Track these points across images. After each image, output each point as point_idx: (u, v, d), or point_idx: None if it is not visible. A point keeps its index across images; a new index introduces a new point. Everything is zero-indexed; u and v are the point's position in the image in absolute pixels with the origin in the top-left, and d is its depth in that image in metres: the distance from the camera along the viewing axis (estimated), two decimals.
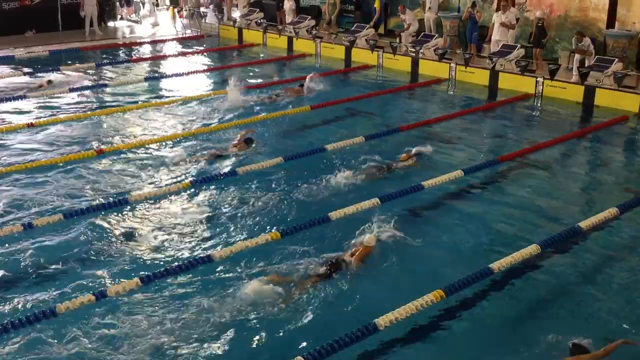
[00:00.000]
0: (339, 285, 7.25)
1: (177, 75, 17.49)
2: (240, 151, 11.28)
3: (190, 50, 21.38)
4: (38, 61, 18.55)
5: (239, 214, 9.02)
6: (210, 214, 9.05)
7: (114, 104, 14.69)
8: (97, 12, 22.90)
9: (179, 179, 10.20)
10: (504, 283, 7.56)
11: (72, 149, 11.44)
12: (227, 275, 7.44)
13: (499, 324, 6.92)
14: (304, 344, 6.25)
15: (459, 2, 19.77)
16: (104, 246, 8.13)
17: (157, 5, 27.85)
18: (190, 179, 10.10)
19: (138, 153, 11.35)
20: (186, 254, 7.98)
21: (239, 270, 7.51)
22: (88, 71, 17.66)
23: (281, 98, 15.07)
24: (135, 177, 10.30)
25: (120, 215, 8.96)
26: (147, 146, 11.66)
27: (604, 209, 9.21)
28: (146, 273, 7.38)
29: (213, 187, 9.87)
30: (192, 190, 9.76)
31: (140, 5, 27.36)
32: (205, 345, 6.30)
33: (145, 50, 21.69)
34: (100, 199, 9.35)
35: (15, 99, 14.58)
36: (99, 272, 7.49)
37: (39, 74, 16.83)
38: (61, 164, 10.60)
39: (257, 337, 6.43)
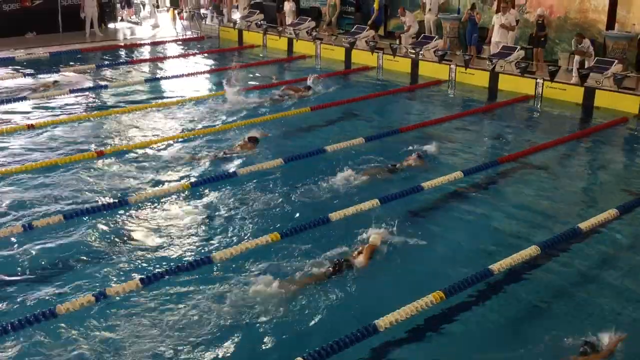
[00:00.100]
0: (339, 286, 7.25)
1: (177, 76, 17.52)
2: (245, 151, 11.31)
3: (190, 51, 21.39)
4: (38, 63, 18.57)
5: (239, 215, 9.03)
6: (210, 215, 9.06)
7: (114, 105, 14.71)
8: (98, 14, 22.93)
9: (179, 180, 10.21)
10: (504, 284, 7.57)
11: (73, 150, 11.45)
12: (227, 276, 7.44)
13: (499, 325, 6.92)
14: (304, 344, 6.24)
15: (459, 4, 19.79)
16: (104, 247, 8.14)
17: (158, 6, 27.88)
18: (191, 180, 10.11)
19: (138, 154, 11.36)
20: (186, 255, 7.98)
21: (239, 271, 7.52)
22: (88, 73, 17.68)
23: (285, 99, 15.09)
24: (135, 178, 10.30)
25: (120, 216, 8.97)
26: (147, 147, 11.66)
27: (604, 210, 9.22)
28: (146, 274, 7.40)
29: (213, 188, 9.87)
30: (192, 191, 9.76)
31: (141, 6, 27.39)
32: (205, 346, 6.30)
33: (146, 51, 21.71)
34: (101, 200, 9.35)
35: (15, 100, 14.60)
36: (99, 273, 7.50)
37: (45, 75, 16.81)
38: (61, 165, 10.61)
39: (257, 338, 6.43)
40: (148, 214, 9.08)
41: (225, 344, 6.34)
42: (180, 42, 23.01)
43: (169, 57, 20.62)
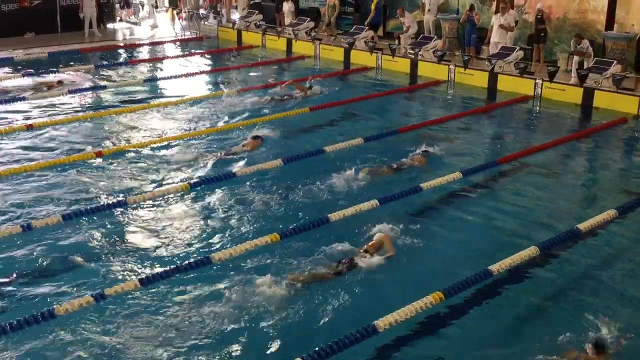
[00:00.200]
0: (338, 287, 7.24)
1: (176, 77, 17.50)
2: (249, 149, 11.34)
3: (189, 51, 21.38)
4: (37, 63, 18.54)
5: (238, 216, 9.01)
6: (209, 216, 9.05)
7: (113, 105, 14.70)
8: (97, 14, 22.90)
9: (178, 180, 10.20)
10: (504, 285, 7.56)
11: (71, 151, 11.44)
12: (225, 277, 7.43)
13: (499, 326, 6.92)
14: (303, 345, 6.23)
15: (458, 4, 19.79)
16: (102, 248, 8.13)
17: (156, 7, 27.86)
18: (190, 180, 10.10)
19: (137, 155, 11.35)
20: (185, 255, 7.97)
21: (238, 272, 7.51)
22: (87, 73, 17.66)
23: (286, 99, 15.08)
24: (134, 179, 10.29)
25: (119, 216, 8.96)
26: (145, 148, 11.65)
27: (603, 210, 9.22)
28: (145, 274, 7.39)
29: (213, 188, 9.86)
30: (191, 192, 9.74)
31: (140, 7, 27.37)
32: (203, 346, 6.29)
33: (145, 52, 21.69)
34: (99, 201, 9.34)
35: (14, 100, 14.58)
36: (98, 274, 7.49)
37: (47, 76, 16.79)
38: (60, 166, 10.59)
39: (256, 339, 6.42)
40: (147, 214, 9.07)
41: (224, 345, 6.34)
42: (179, 43, 22.98)
43: (168, 58, 20.60)
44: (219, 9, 24.57)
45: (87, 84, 16.33)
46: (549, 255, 8.16)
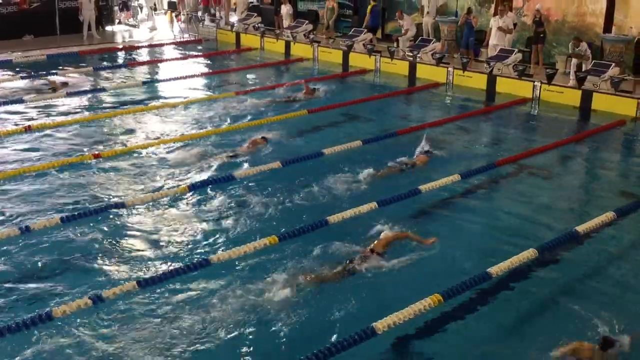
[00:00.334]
0: (337, 289, 7.24)
1: (174, 79, 17.49)
2: (254, 150, 11.40)
3: (187, 54, 21.38)
4: (36, 65, 18.53)
5: (237, 218, 9.00)
6: (208, 218, 9.04)
7: (111, 107, 14.69)
8: (95, 16, 22.90)
9: (176, 182, 10.19)
10: (502, 287, 7.56)
11: (70, 153, 11.43)
12: (224, 279, 7.42)
13: (497, 328, 6.91)
14: (302, 347, 6.22)
15: (457, 7, 19.82)
16: (100, 249, 8.12)
17: (155, 9, 27.86)
18: (188, 183, 10.09)
19: (135, 157, 11.34)
20: (184, 257, 7.96)
21: (236, 274, 7.50)
22: (86, 75, 17.66)
23: (285, 100, 15.08)
24: (133, 181, 10.28)
25: (117, 218, 8.95)
26: (144, 150, 11.65)
27: (601, 213, 9.22)
28: (143, 276, 7.37)
29: (211, 191, 9.85)
30: (190, 194, 9.74)
31: (138, 9, 27.39)
32: (201, 348, 6.28)
33: (143, 54, 21.69)
34: (97, 203, 9.33)
35: (12, 102, 14.57)
36: (96, 276, 7.48)
37: (51, 77, 16.80)
38: (58, 168, 10.58)
39: (254, 341, 6.42)
40: (145, 216, 9.06)
41: (222, 347, 6.32)
42: (178, 45, 22.99)
43: (167, 60, 20.60)
44: (212, 11, 24.55)
45: (86, 87, 16.33)
46: (547, 257, 8.16)
